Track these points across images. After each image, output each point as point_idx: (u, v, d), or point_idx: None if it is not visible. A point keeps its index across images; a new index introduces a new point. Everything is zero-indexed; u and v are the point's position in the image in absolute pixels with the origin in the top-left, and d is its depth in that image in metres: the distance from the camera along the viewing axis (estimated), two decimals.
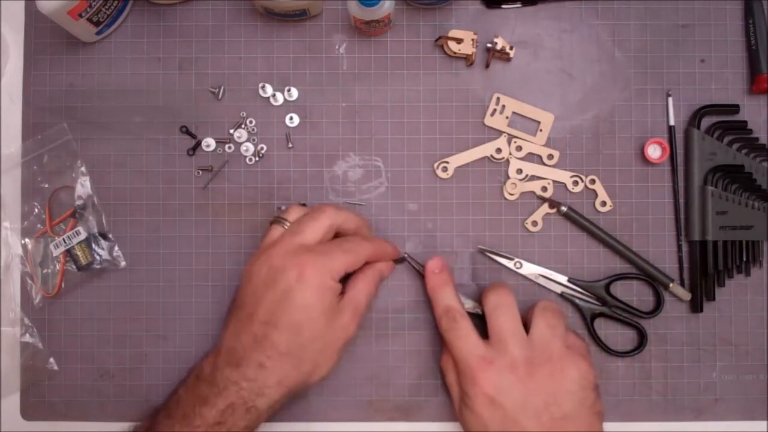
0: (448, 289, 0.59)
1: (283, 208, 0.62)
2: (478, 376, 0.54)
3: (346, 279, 0.56)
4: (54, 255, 0.62)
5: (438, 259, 0.60)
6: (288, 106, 0.63)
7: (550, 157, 0.63)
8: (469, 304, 0.60)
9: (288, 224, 0.56)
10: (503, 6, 0.63)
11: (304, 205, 0.62)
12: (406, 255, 0.62)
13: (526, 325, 0.56)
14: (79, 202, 0.63)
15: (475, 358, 0.54)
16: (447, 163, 0.63)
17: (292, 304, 0.52)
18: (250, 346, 0.52)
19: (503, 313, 0.56)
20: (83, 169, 0.63)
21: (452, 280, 0.59)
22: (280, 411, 0.55)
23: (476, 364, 0.54)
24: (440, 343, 0.60)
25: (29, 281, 0.62)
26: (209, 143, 0.63)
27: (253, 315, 0.53)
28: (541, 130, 0.63)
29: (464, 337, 0.56)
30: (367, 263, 0.57)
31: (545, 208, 0.63)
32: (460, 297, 0.59)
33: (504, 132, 0.63)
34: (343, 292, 0.56)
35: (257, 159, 0.63)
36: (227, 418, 0.51)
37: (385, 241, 0.60)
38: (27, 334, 0.62)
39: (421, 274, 0.61)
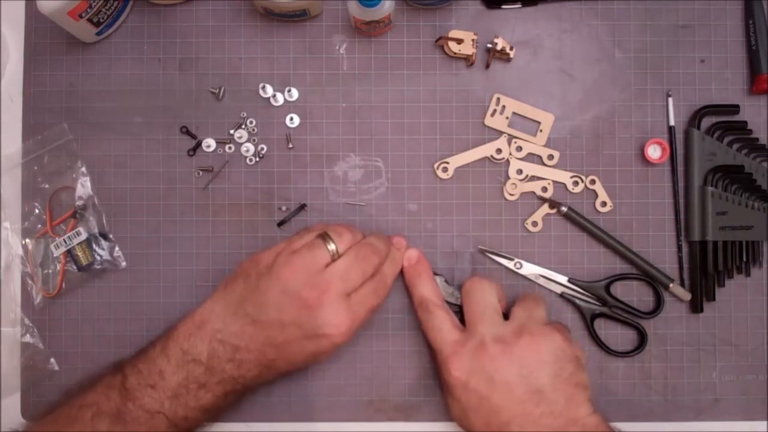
0: (424, 279, 0.59)
1: (284, 208, 0.63)
2: (450, 361, 0.54)
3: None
4: (54, 255, 0.62)
5: (413, 250, 0.60)
6: (288, 107, 0.63)
7: (551, 157, 0.63)
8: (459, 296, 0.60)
9: (333, 245, 0.55)
10: (503, 6, 0.63)
11: (304, 205, 0.62)
12: None
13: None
14: (79, 203, 0.62)
15: (448, 344, 0.55)
16: (447, 163, 0.63)
17: (312, 353, 0.54)
18: (256, 358, 0.54)
19: (474, 297, 0.57)
20: (83, 169, 0.63)
21: (428, 270, 0.60)
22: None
23: (449, 349, 0.55)
24: None
25: (30, 281, 0.62)
26: (209, 144, 0.63)
27: (270, 338, 0.53)
28: (541, 131, 0.63)
29: (437, 326, 0.56)
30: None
31: (545, 209, 0.63)
32: (438, 286, 0.59)
33: (504, 132, 0.63)
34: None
35: (257, 159, 0.63)
36: (221, 402, 0.55)
37: (398, 255, 0.60)
38: (27, 335, 0.62)
39: None
